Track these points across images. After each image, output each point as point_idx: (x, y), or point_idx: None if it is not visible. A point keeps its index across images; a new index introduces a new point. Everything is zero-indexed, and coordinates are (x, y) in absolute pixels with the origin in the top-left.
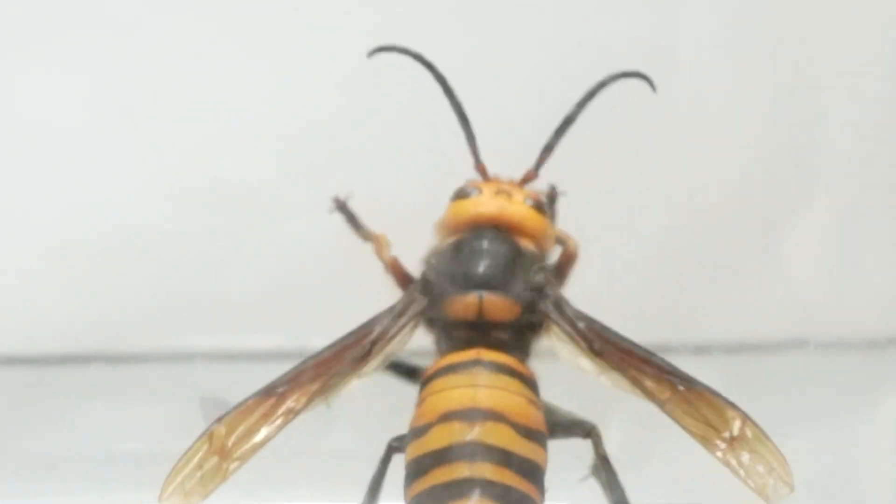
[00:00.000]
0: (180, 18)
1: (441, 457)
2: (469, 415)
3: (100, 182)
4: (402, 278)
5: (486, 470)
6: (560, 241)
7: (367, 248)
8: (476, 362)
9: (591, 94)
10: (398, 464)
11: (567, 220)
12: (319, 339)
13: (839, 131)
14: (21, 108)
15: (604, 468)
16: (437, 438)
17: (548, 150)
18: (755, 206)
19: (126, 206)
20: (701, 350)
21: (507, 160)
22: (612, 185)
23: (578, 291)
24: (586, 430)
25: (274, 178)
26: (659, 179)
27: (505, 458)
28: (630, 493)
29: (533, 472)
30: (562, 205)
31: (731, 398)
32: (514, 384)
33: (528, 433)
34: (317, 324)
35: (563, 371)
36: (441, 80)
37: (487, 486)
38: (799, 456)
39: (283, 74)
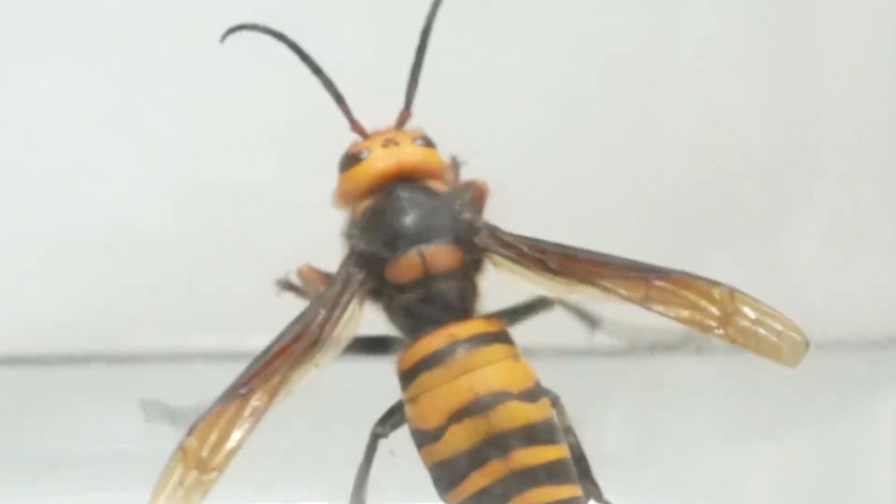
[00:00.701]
0: (180, 18)
1: (470, 460)
2: (476, 407)
3: (100, 182)
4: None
5: (519, 458)
6: (468, 183)
7: None
8: (453, 345)
9: (431, 17)
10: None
11: (565, 219)
12: None
13: (839, 131)
14: (21, 108)
15: (568, 437)
16: (456, 442)
17: (413, 84)
18: (755, 206)
19: (126, 206)
20: (701, 350)
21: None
22: (610, 185)
23: None
24: (550, 400)
25: (274, 178)
26: (658, 179)
27: (529, 433)
28: (630, 493)
29: (553, 431)
30: (560, 205)
31: (731, 398)
32: (496, 350)
33: (531, 394)
34: None
35: (561, 372)
36: (294, 47)
37: (528, 472)
38: (799, 456)
39: (282, 74)
